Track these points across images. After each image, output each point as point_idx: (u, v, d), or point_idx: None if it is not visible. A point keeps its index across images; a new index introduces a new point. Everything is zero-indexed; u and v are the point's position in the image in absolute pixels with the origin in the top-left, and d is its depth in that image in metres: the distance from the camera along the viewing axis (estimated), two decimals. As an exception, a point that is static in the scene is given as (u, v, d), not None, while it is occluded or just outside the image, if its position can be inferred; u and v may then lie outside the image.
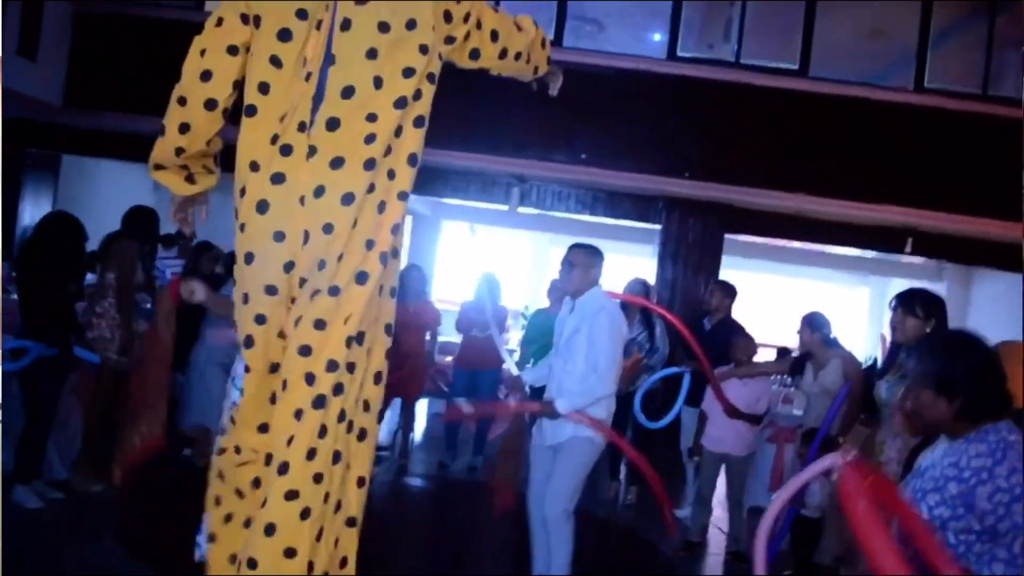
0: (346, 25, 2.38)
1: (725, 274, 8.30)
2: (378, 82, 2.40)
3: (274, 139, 2.39)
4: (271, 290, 2.46)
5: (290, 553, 2.35)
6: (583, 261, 4.27)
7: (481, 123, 8.33)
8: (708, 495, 5.61)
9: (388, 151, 2.45)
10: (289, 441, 2.40)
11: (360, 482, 2.57)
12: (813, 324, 5.13)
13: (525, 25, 2.83)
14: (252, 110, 2.42)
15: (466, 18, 2.60)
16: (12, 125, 8.61)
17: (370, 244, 2.44)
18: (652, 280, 8.82)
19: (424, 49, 2.45)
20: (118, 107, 8.32)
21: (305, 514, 2.37)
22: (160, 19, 8.49)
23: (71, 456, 5.38)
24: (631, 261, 10.64)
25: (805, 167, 8.34)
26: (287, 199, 2.37)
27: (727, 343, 5.73)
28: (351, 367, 2.46)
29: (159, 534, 4.56)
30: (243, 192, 2.44)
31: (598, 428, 4.09)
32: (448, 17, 2.53)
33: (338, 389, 2.43)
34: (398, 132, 2.46)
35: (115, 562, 4.33)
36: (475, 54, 2.71)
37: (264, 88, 2.40)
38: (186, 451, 5.99)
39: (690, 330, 5.47)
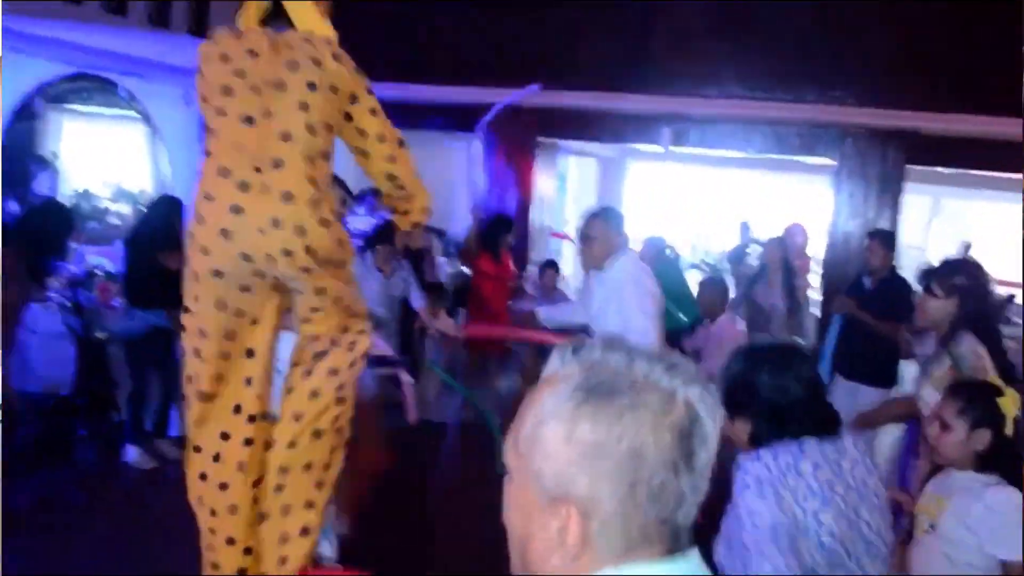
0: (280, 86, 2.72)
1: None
2: (311, 130, 2.71)
3: (225, 172, 2.70)
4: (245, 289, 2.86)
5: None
6: (600, 232, 4.03)
7: (627, 61, 8.03)
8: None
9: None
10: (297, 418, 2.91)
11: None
12: None
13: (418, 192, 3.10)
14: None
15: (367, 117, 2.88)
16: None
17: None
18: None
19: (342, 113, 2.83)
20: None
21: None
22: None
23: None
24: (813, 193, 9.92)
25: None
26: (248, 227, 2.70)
27: (895, 303, 5.33)
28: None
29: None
30: (201, 219, 2.77)
31: None
32: (354, 99, 2.81)
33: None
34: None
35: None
36: (363, 153, 2.95)
37: (214, 133, 2.78)
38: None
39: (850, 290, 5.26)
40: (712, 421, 0.96)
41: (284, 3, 2.84)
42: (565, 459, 0.92)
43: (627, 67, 8.05)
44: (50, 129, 11.43)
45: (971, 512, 2.39)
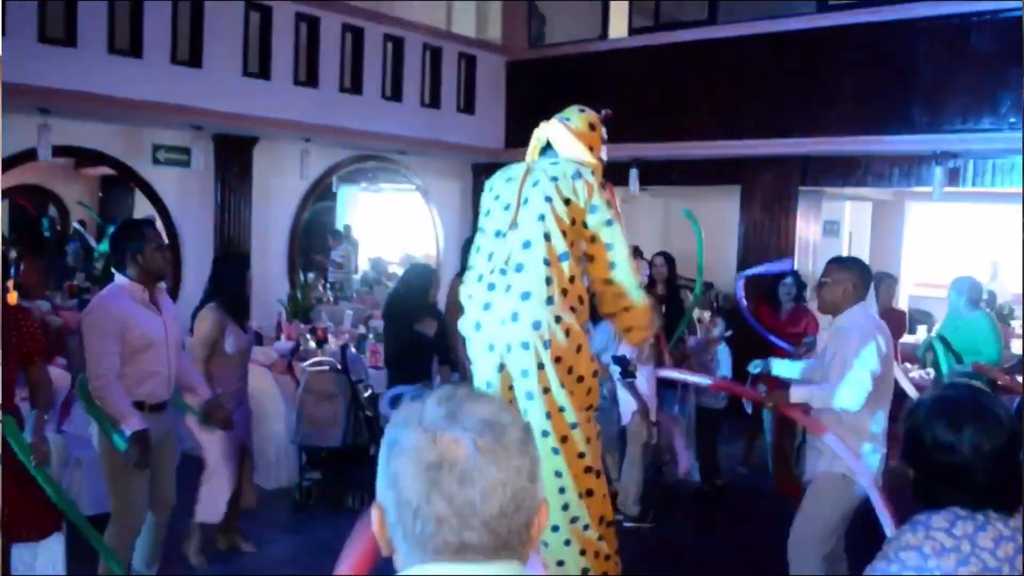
0: (525, 202, 3.15)
1: None
2: (547, 237, 3.07)
3: (480, 278, 3.16)
4: (488, 384, 3.23)
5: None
6: (837, 277, 3.85)
7: (894, 100, 7.67)
8: None
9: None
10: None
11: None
12: None
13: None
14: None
15: (592, 238, 3.16)
16: (476, 168, 10.14)
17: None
18: None
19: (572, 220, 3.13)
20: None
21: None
22: (576, 54, 9.37)
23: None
24: None
25: None
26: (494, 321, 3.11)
27: None
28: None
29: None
30: (465, 315, 3.22)
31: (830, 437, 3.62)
32: (592, 209, 3.12)
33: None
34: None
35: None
36: (590, 258, 3.20)
37: (476, 248, 3.29)
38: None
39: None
40: (477, 459, 1.07)
41: (552, 140, 3.35)
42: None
43: (888, 107, 7.68)
44: (345, 204, 12.73)
45: None
